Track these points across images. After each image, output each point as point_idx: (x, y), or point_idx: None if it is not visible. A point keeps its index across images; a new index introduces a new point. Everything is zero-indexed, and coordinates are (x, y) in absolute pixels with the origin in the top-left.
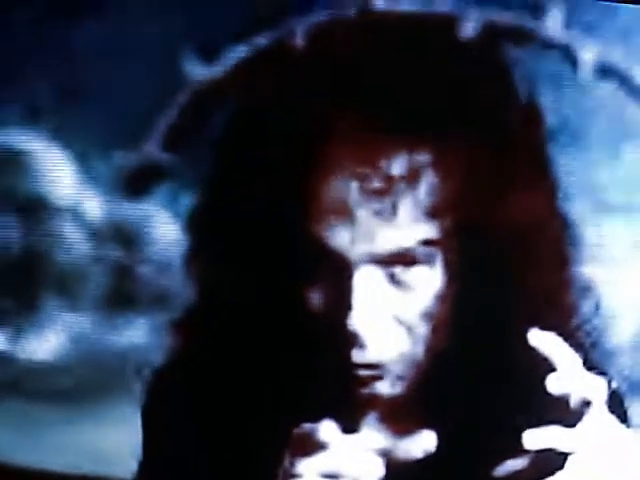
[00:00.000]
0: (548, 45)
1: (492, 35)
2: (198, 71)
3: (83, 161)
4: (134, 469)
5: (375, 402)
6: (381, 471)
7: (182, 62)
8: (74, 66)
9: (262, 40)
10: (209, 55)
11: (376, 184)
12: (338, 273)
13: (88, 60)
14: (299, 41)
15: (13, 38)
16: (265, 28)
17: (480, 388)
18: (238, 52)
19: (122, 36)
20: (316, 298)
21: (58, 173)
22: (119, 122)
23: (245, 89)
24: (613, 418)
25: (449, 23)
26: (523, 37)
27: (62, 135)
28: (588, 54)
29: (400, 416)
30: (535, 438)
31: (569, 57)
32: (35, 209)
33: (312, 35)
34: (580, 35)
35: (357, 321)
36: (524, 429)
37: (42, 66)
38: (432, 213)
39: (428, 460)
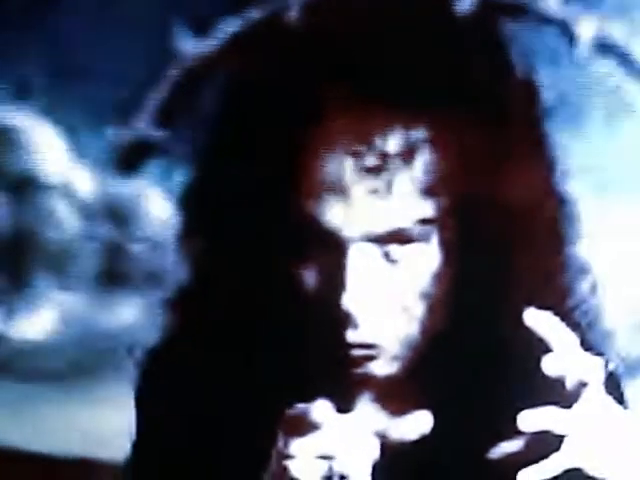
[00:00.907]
0: (546, 20)
1: (489, 9)
2: (189, 46)
3: (74, 138)
4: (126, 450)
5: (369, 382)
6: (376, 451)
7: (173, 37)
8: (64, 43)
9: (255, 13)
10: (200, 29)
11: (371, 161)
12: (332, 251)
13: (78, 36)
14: (293, 14)
15: (2, 15)
16: (258, 1)
17: (476, 369)
18: (230, 26)
19: (113, 12)
20: (309, 277)
21: (49, 150)
22: (110, 98)
23: (237, 63)
24: (610, 399)
25: None
26: (520, 12)
27: (52, 111)
28: (586, 30)
29: (395, 396)
30: (531, 420)
31: (567, 33)
32: (25, 186)
33: (306, 8)
34: (578, 10)
35: (351, 300)
36: (520, 411)
37: (32, 43)
38: (428, 191)
39: (423, 441)
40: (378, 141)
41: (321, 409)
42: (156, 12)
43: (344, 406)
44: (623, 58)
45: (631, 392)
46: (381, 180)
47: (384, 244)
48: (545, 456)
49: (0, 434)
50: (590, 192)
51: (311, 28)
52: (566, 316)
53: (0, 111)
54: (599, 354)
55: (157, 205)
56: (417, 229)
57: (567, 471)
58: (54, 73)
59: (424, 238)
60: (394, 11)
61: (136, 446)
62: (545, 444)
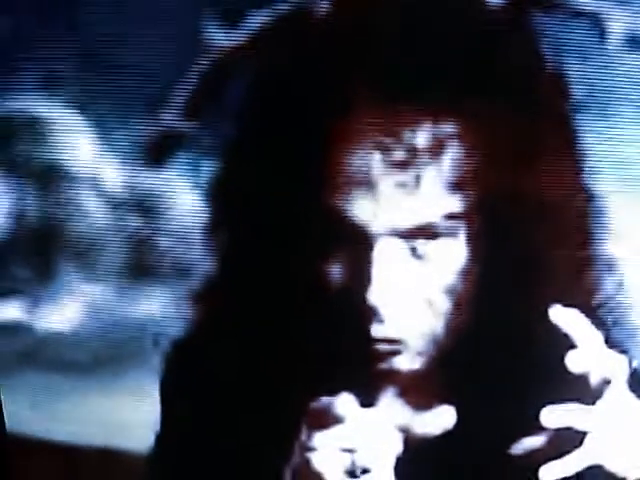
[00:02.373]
0: (576, 14)
1: (519, 3)
2: (219, 37)
3: (102, 129)
4: (151, 442)
5: (394, 377)
6: (399, 446)
7: (202, 28)
8: (93, 33)
9: (284, 5)
10: (230, 21)
11: (399, 155)
12: (359, 246)
13: (108, 27)
14: (322, 7)
15: (31, 4)
16: None
17: (500, 365)
18: (260, 18)
19: (143, 3)
20: (336, 271)
21: (76, 140)
22: (139, 90)
23: (266, 56)
24: (633, 397)
25: None
26: (551, 5)
27: (80, 102)
28: (617, 24)
29: (419, 391)
30: (554, 416)
31: (597, 26)
32: (52, 177)
33: (335, 2)
34: (609, 4)
35: (377, 295)
36: (543, 407)
37: (61, 33)
38: (456, 186)
39: (446, 436)
40: (406, 135)
41: (345, 403)
42: (186, 4)
43: (368, 400)
44: None
45: None
46: (409, 175)
47: (411, 239)
48: (567, 452)
49: (24, 424)
50: (619, 187)
51: (340, 22)
52: (592, 313)
53: (28, 102)
54: (624, 352)
55: (185, 197)
56: (444, 224)
57: (589, 467)
58: (83, 64)
59: (451, 233)
60: (425, 5)
61: (160, 436)
62: (568, 440)
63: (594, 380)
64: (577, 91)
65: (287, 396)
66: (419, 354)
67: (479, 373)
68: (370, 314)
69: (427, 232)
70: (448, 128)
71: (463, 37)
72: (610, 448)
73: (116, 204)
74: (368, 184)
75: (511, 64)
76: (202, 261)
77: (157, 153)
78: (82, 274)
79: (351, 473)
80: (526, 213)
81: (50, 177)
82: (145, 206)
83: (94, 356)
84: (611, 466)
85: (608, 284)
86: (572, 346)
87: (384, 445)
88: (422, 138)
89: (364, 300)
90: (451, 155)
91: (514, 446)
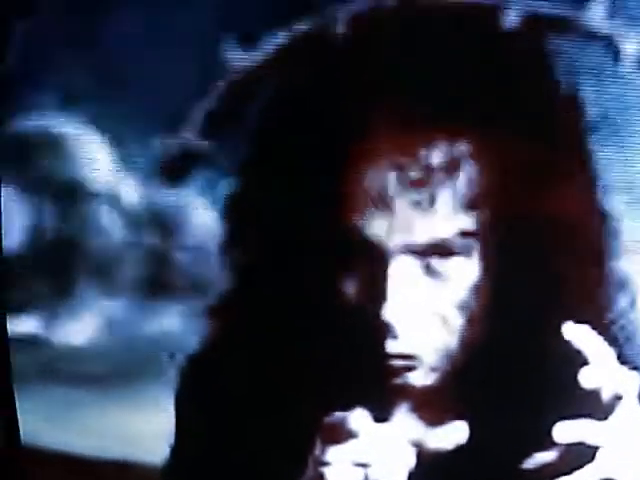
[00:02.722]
0: (590, 36)
1: (534, 25)
2: (237, 57)
3: (120, 147)
4: (166, 454)
5: (407, 392)
6: (412, 461)
7: (221, 48)
8: (113, 52)
9: (302, 27)
10: (248, 41)
11: (415, 174)
12: (374, 263)
13: (126, 45)
14: (340, 29)
15: (51, 22)
16: (306, 14)
17: (512, 381)
18: (278, 38)
19: (161, 21)
20: (351, 287)
21: (95, 159)
22: (157, 108)
23: (284, 76)
24: None
25: (491, 13)
26: (565, 28)
27: (100, 120)
28: (631, 46)
29: (432, 407)
30: (566, 431)
31: (612, 48)
32: (71, 194)
33: (353, 23)
34: (623, 26)
35: (391, 311)
36: (555, 422)
37: (81, 51)
38: (470, 204)
39: (459, 451)
40: (422, 155)
41: (359, 418)
42: (204, 24)
43: (381, 415)
44: None
45: None
46: (424, 193)
47: (425, 256)
48: (579, 467)
49: (42, 437)
50: (632, 208)
51: (357, 42)
52: (604, 330)
53: (48, 120)
54: (635, 368)
55: (202, 215)
56: (458, 242)
57: None
58: (102, 83)
59: (465, 251)
60: (441, 27)
61: (175, 449)
62: (579, 455)
63: (606, 396)
64: (591, 112)
65: (301, 411)
66: (433, 370)
67: (492, 389)
68: (385, 330)
69: (442, 250)
70: (463, 148)
71: (479, 59)
72: (621, 463)
73: (134, 221)
74: (384, 202)
75: (526, 85)
76: (218, 277)
77: (175, 171)
78: (100, 289)
79: None
80: (539, 231)
81: (69, 194)
82: (162, 223)
83: (110, 370)
84: None
85: (621, 301)
86: (584, 362)
87: (397, 460)
88: (437, 157)
89: (379, 316)
90: (466, 174)
91: (526, 461)
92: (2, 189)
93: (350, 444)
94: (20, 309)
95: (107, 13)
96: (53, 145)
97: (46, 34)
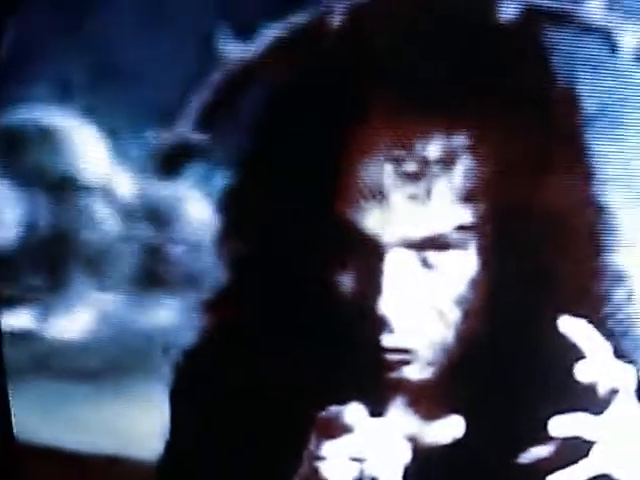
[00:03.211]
0: (588, 29)
1: (531, 18)
2: (232, 49)
3: (115, 139)
4: (160, 450)
5: (403, 386)
6: (408, 455)
7: (216, 40)
8: (107, 43)
9: (298, 18)
10: (244, 33)
11: (411, 167)
12: (369, 256)
13: (121, 37)
14: (336, 20)
15: (45, 14)
16: (302, 6)
17: (509, 375)
18: (274, 30)
19: (155, 13)
20: (347, 281)
21: (89, 151)
22: (152, 100)
23: (280, 68)
24: None
25: (488, 5)
26: (562, 20)
27: (94, 113)
28: (629, 39)
29: (428, 401)
30: (561, 425)
31: (609, 41)
32: (65, 187)
33: (349, 14)
34: (621, 19)
35: (387, 305)
36: (551, 416)
37: (74, 43)
38: (467, 197)
39: (455, 445)
40: (418, 147)
41: (354, 412)
42: (200, 15)
43: (377, 410)
44: None
45: None
46: (420, 186)
47: (422, 250)
48: (574, 462)
49: (35, 432)
50: (628, 202)
51: (354, 33)
52: (600, 324)
53: (41, 112)
54: (631, 362)
55: (197, 208)
56: (455, 235)
57: (596, 477)
58: (96, 75)
59: (462, 245)
60: (438, 19)
61: (169, 445)
62: (575, 450)
63: (602, 390)
64: (588, 105)
65: (296, 405)
66: (429, 364)
67: (488, 383)
68: (381, 324)
69: (438, 243)
70: (459, 140)
71: (476, 51)
72: (617, 458)
73: (128, 214)
74: (380, 195)
75: (523, 78)
76: (213, 271)
77: (170, 164)
78: (94, 283)
79: None
80: (536, 225)
81: (63, 187)
82: (157, 216)
83: (104, 365)
84: (618, 475)
85: (617, 295)
86: (581, 356)
87: (393, 454)
88: (434, 150)
89: (375, 310)
90: (462, 167)
91: (522, 455)
92: None
93: (345, 439)
94: (13, 303)
95: (101, 4)
96: (46, 138)
97: (39, 26)
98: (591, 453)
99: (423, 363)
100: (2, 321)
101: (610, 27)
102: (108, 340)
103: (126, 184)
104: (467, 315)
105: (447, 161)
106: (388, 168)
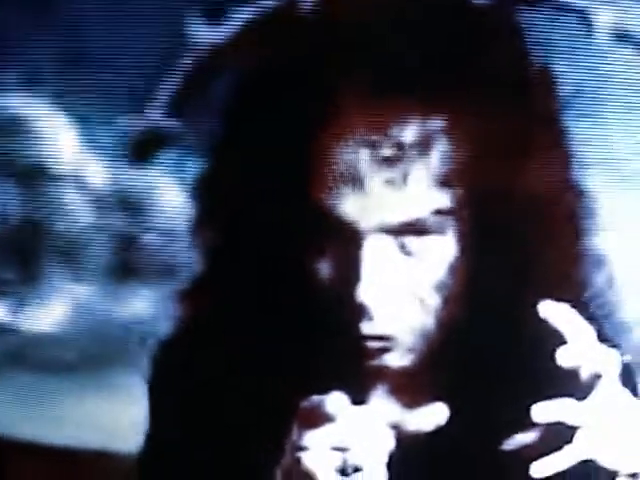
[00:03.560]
0: (563, 8)
1: None
2: (203, 34)
3: (85, 127)
4: (139, 442)
5: (384, 374)
6: (390, 443)
7: (186, 24)
8: (75, 29)
9: (269, 2)
10: (214, 18)
11: (387, 151)
12: (347, 243)
13: (90, 23)
14: (307, 4)
15: (13, 3)
16: None
17: (490, 361)
18: (244, 14)
19: (125, 0)
20: (324, 268)
21: (59, 139)
22: (122, 87)
23: (251, 53)
24: (624, 391)
25: None
26: (537, 0)
27: (63, 100)
28: (604, 18)
29: (410, 388)
30: (545, 411)
31: (585, 21)
32: (36, 176)
33: None
34: None
35: (366, 292)
36: (534, 402)
37: (43, 30)
38: (444, 182)
39: (438, 432)
40: (394, 131)
41: (336, 401)
42: (169, 2)
43: (359, 398)
44: None
45: None
46: (397, 171)
47: (399, 235)
48: (559, 448)
49: (11, 426)
50: (608, 185)
51: (326, 18)
52: (582, 308)
53: (10, 99)
54: (614, 346)
55: (170, 196)
56: (433, 220)
57: (581, 462)
58: (66, 61)
59: (440, 229)
60: (410, 1)
61: (149, 437)
62: (559, 435)
63: (585, 375)
64: (565, 87)
65: (277, 395)
66: (409, 351)
67: (470, 369)
68: (360, 311)
69: (416, 228)
70: (436, 124)
71: (450, 32)
72: (602, 443)
73: (100, 203)
74: (356, 180)
75: (498, 60)
76: (188, 259)
77: (141, 151)
78: (67, 274)
79: (343, 471)
80: (515, 209)
81: (33, 176)
82: (130, 204)
83: (80, 357)
84: (603, 461)
85: (598, 279)
86: (563, 341)
87: (376, 443)
88: (410, 134)
89: (353, 297)
90: (439, 151)
91: (506, 442)
92: None
93: (327, 428)
94: None
95: None
96: (15, 126)
97: (7, 14)
98: (575, 439)
99: (403, 350)
100: None
101: (586, 7)
102: (83, 332)
103: (98, 172)
104: (447, 301)
105: (423, 145)
106: (364, 153)
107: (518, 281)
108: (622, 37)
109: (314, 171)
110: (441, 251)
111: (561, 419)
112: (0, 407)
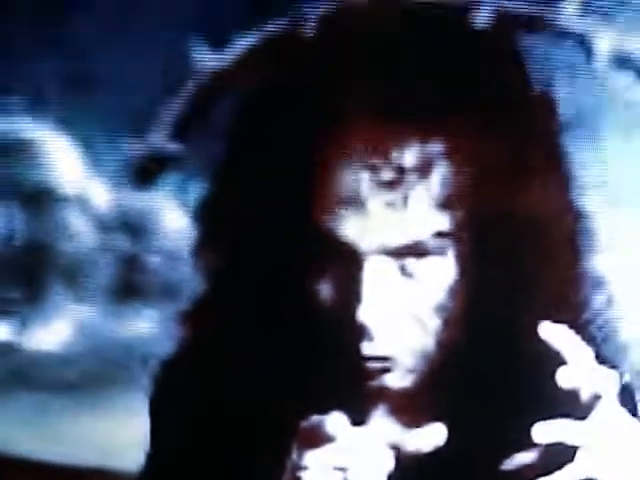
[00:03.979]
0: (563, 34)
1: (506, 23)
2: (206, 59)
3: (89, 150)
4: (140, 461)
5: (384, 395)
6: (390, 464)
7: (190, 50)
8: (81, 54)
9: (272, 27)
10: (217, 43)
11: (387, 175)
12: (348, 265)
13: (95, 48)
14: (309, 28)
15: (18, 25)
16: (275, 15)
17: (490, 381)
18: (247, 40)
19: (130, 24)
20: (325, 289)
21: (64, 162)
22: (126, 111)
23: (254, 78)
24: (624, 412)
25: (463, 11)
26: (538, 25)
27: (69, 124)
28: (603, 43)
29: (410, 409)
30: (545, 431)
31: (584, 46)
32: (41, 198)
33: (323, 22)
34: (596, 24)
35: (367, 313)
36: (534, 422)
37: (48, 54)
38: (444, 204)
39: (437, 453)
40: (395, 155)
41: (336, 421)
42: (173, 25)
43: (358, 418)
44: None
45: None
46: (397, 194)
47: (400, 257)
48: (559, 468)
49: (14, 444)
50: (606, 207)
51: (327, 42)
52: (581, 329)
53: (15, 123)
54: (614, 367)
55: (173, 218)
56: (433, 242)
57: None
58: (70, 85)
59: (440, 251)
60: (411, 25)
61: (150, 456)
62: (559, 456)
63: (585, 395)
64: (565, 110)
65: (277, 415)
66: (409, 372)
67: (469, 390)
68: (360, 332)
69: (416, 250)
70: (436, 147)
71: (450, 57)
72: (601, 463)
73: (104, 225)
74: (357, 203)
75: (499, 84)
76: (190, 281)
77: (145, 174)
78: (71, 294)
79: None
80: (515, 231)
81: (38, 198)
82: (133, 227)
83: (83, 376)
84: None
85: (597, 300)
86: (562, 362)
87: (376, 463)
88: (410, 157)
89: (354, 318)
90: (439, 174)
91: (505, 462)
92: None
93: (327, 448)
94: None
95: (75, 16)
96: (21, 149)
97: (12, 36)
98: (575, 458)
99: (404, 371)
100: None
101: (585, 32)
102: (86, 351)
103: (102, 195)
104: (447, 322)
105: (424, 169)
106: (364, 176)
107: (517, 302)
108: (621, 62)
109: (316, 193)
110: (441, 273)
111: (561, 439)
112: (2, 424)
